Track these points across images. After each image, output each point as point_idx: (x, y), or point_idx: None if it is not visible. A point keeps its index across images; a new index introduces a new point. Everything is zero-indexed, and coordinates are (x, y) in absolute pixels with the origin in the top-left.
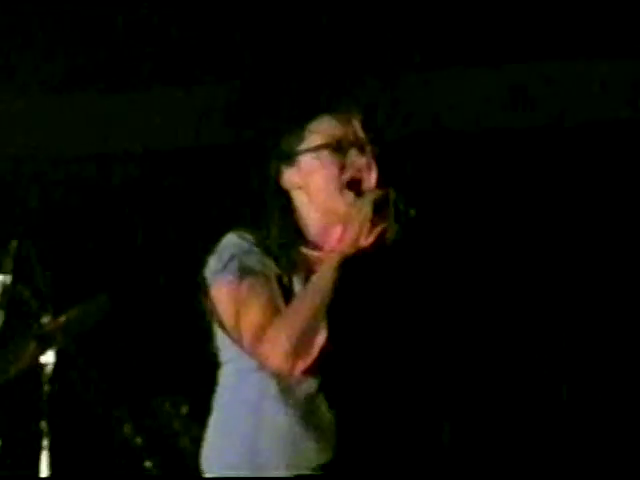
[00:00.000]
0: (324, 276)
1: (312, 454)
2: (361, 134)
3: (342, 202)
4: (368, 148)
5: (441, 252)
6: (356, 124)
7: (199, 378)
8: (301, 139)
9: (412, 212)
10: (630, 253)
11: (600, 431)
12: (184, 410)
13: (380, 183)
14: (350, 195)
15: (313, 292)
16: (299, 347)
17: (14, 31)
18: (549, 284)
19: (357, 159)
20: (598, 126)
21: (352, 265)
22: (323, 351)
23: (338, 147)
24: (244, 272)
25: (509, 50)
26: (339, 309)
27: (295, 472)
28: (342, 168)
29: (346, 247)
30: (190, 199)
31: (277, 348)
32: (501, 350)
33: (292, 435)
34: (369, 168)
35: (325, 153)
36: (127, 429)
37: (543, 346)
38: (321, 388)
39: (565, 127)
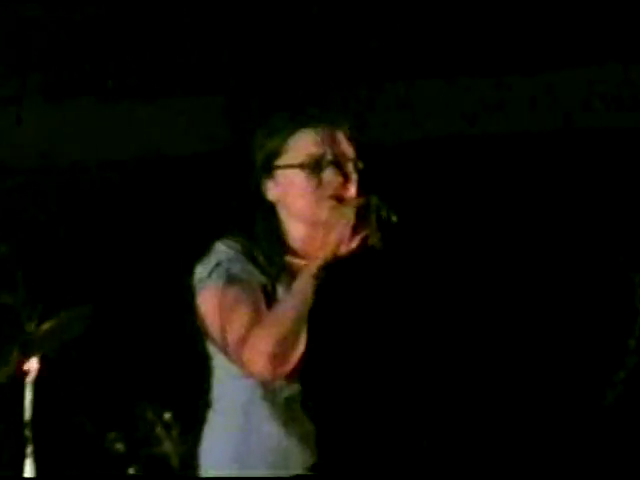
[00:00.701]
0: (303, 283)
1: (297, 457)
2: (343, 150)
3: (322, 212)
4: (349, 165)
5: (424, 260)
6: (340, 138)
7: (182, 384)
8: (280, 153)
9: (394, 219)
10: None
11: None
12: (167, 416)
13: (362, 191)
14: (329, 203)
15: (293, 299)
16: (279, 353)
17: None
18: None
19: (333, 178)
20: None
21: (334, 271)
22: (304, 357)
23: (315, 166)
24: (230, 280)
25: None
26: (320, 315)
27: (282, 474)
28: (318, 186)
29: (327, 253)
30: (178, 207)
31: (258, 354)
32: (481, 362)
33: (277, 438)
34: (347, 186)
35: (301, 171)
36: (110, 436)
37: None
38: (301, 393)
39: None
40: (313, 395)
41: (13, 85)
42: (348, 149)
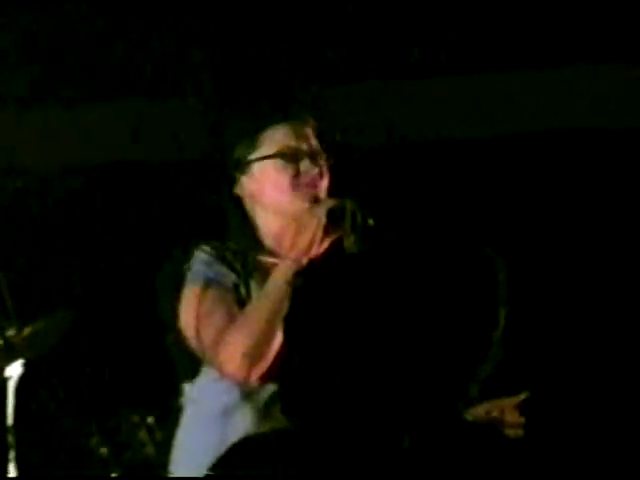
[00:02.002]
0: (276, 283)
1: None
2: (314, 143)
3: (297, 202)
4: (321, 159)
5: (400, 263)
6: (310, 133)
7: (165, 388)
8: (255, 148)
9: (370, 222)
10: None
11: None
12: (150, 420)
13: (338, 193)
14: (305, 194)
15: (265, 300)
16: (253, 354)
17: None
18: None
19: (309, 169)
20: (556, 134)
21: (310, 274)
22: (279, 358)
23: (291, 156)
24: (206, 283)
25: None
26: (296, 316)
27: None
28: (295, 175)
29: (298, 254)
30: (152, 214)
31: (231, 355)
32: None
33: None
34: (321, 177)
35: (278, 161)
36: (94, 440)
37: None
38: (278, 394)
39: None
40: (290, 396)
41: None
42: (317, 145)
